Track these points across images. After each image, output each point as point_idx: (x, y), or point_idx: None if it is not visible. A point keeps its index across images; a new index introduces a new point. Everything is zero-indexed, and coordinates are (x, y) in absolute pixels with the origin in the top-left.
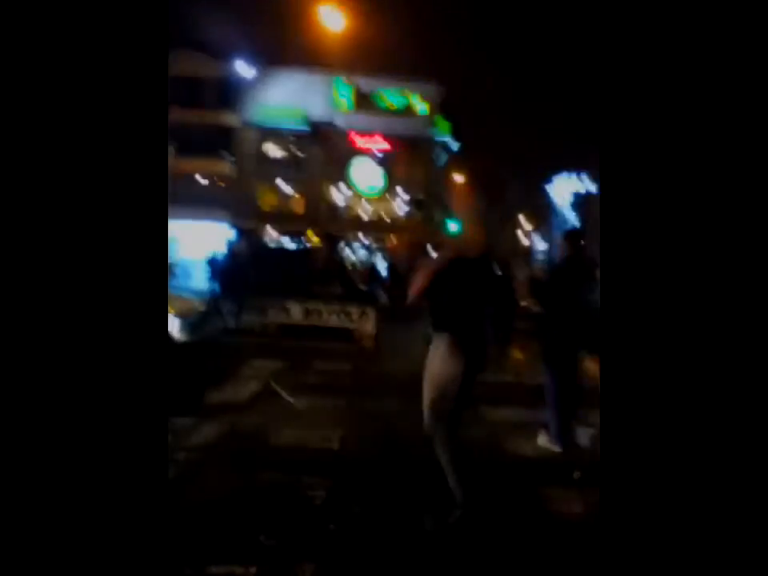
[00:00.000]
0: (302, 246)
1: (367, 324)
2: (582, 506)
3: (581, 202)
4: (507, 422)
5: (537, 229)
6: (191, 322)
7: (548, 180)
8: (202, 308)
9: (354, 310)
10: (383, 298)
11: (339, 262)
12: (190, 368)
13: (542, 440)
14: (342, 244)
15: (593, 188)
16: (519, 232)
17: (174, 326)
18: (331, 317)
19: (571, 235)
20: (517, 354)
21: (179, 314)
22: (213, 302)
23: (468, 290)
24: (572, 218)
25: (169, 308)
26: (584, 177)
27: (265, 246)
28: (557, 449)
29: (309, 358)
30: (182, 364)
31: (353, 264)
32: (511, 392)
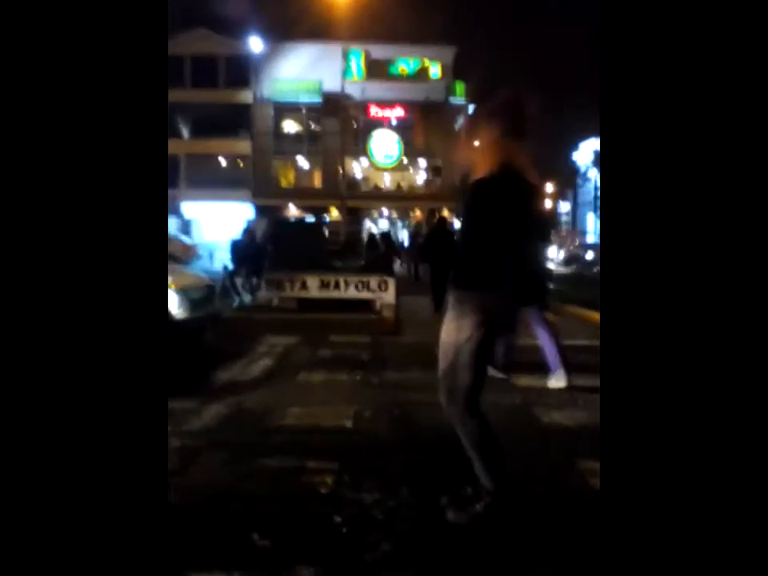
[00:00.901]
0: (319, 219)
1: (387, 294)
2: None
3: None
4: (538, 390)
5: (561, 193)
6: (194, 298)
7: (575, 147)
8: (208, 283)
9: (373, 280)
10: (404, 267)
11: (361, 235)
12: (190, 345)
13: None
14: (363, 218)
15: None
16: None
17: (174, 302)
18: (350, 288)
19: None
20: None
21: (181, 289)
22: (228, 278)
23: (504, 230)
24: (595, 176)
25: (171, 283)
26: None
27: (281, 220)
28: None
29: (326, 331)
30: (179, 341)
31: (373, 236)
32: (541, 355)
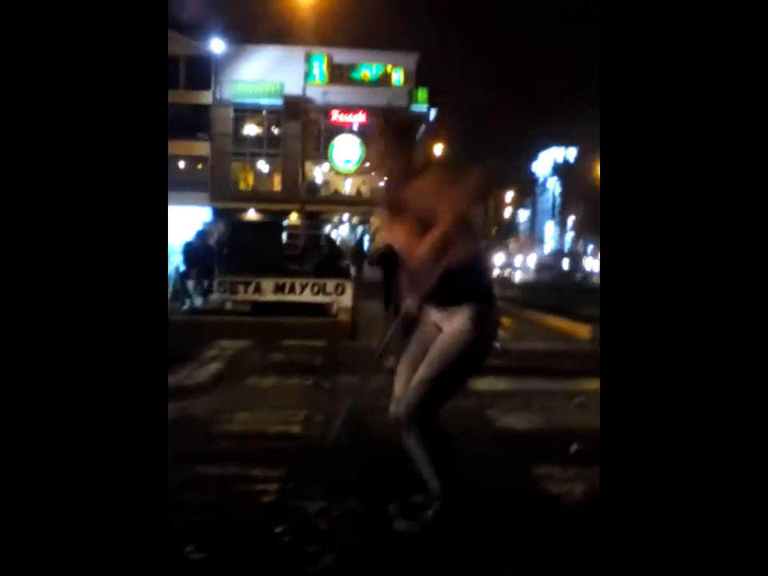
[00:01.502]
0: (276, 220)
1: (344, 297)
2: (582, 486)
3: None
4: (492, 393)
5: (520, 202)
6: None
7: (534, 157)
8: None
9: (330, 284)
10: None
11: (318, 241)
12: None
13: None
14: (323, 223)
15: (571, 157)
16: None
17: None
18: (305, 292)
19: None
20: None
21: None
22: (178, 280)
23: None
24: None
25: None
26: (572, 149)
27: (237, 222)
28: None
29: (280, 335)
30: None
31: (333, 241)
32: (496, 358)
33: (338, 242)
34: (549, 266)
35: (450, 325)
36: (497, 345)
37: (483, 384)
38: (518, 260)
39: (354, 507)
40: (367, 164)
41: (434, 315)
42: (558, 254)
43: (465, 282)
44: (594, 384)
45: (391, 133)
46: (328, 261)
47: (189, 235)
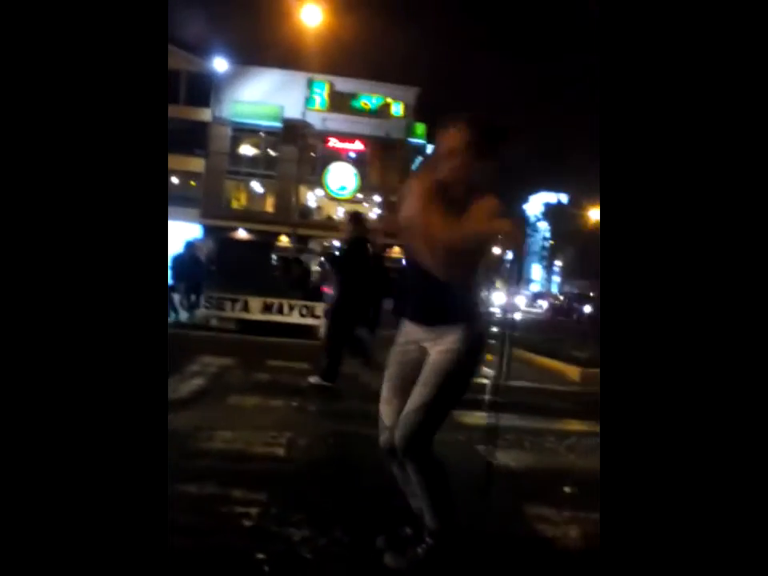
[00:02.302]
0: (266, 240)
1: None
2: (577, 530)
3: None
4: (482, 428)
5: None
6: None
7: (524, 200)
8: None
9: (318, 306)
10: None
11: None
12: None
13: (314, 379)
14: (312, 246)
15: (563, 199)
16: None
17: None
18: (293, 313)
19: (354, 217)
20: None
21: None
22: None
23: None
24: (543, 227)
25: None
26: (562, 195)
27: (226, 239)
28: (327, 384)
29: (265, 355)
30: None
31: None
32: (483, 392)
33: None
34: (562, 309)
35: (440, 345)
36: (486, 378)
37: (473, 419)
38: (519, 300)
39: (339, 537)
40: (360, 195)
41: (417, 334)
42: (570, 296)
43: (459, 300)
44: (583, 425)
45: (480, 138)
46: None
47: (178, 248)
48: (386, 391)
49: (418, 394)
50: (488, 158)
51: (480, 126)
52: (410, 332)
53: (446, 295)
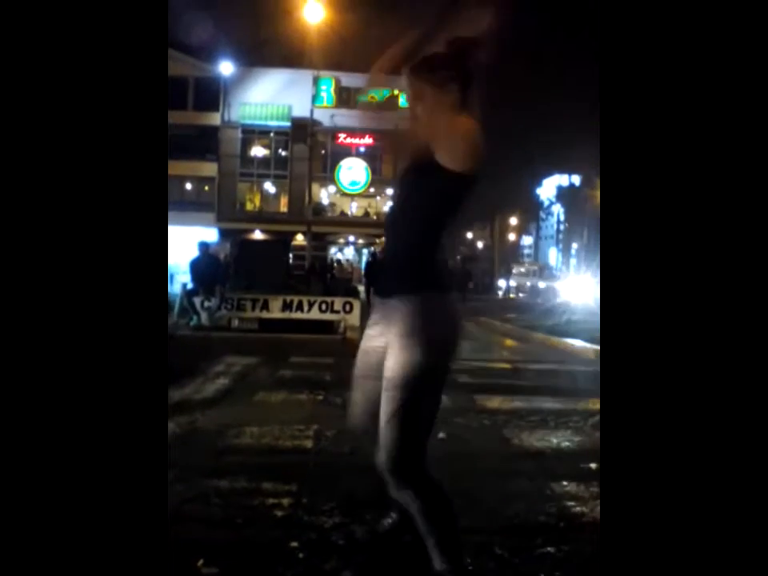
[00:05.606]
0: (283, 238)
1: (352, 315)
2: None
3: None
4: (505, 411)
5: (525, 227)
6: None
7: (538, 183)
8: None
9: (338, 301)
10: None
11: (324, 262)
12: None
13: None
14: (329, 244)
15: (576, 181)
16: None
17: None
18: (313, 309)
19: None
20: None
21: None
22: (185, 297)
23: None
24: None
25: None
26: (575, 176)
27: (245, 239)
28: None
29: (288, 352)
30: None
31: (339, 262)
32: (502, 376)
33: (343, 264)
34: None
35: (392, 329)
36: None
37: (496, 402)
38: (526, 286)
39: (372, 524)
40: (372, 189)
41: (376, 310)
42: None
43: (416, 265)
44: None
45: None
46: (334, 283)
47: (194, 253)
48: (357, 400)
49: (384, 406)
50: (456, 80)
51: (426, 65)
52: (374, 309)
53: (404, 261)
